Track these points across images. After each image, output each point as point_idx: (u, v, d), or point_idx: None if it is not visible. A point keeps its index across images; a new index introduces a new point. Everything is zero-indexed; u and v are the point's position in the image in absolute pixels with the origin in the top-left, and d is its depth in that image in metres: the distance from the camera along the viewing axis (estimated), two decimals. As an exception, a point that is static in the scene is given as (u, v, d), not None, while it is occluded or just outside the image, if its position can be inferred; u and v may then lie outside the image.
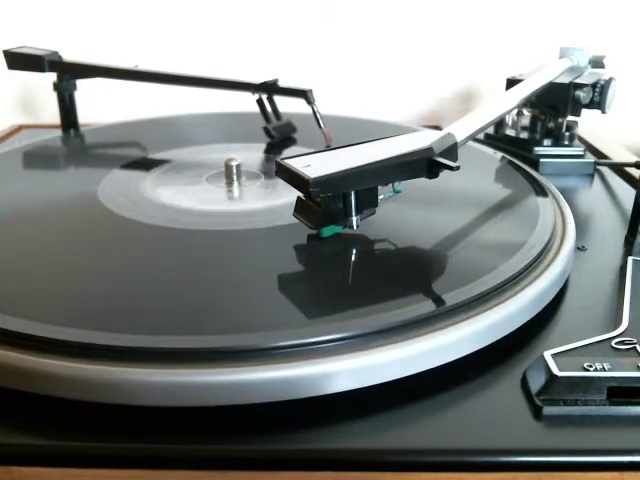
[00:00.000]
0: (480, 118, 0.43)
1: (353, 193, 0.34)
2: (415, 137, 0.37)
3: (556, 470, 0.23)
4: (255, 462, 0.24)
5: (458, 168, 0.34)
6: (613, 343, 0.28)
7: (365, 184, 0.34)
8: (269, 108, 0.58)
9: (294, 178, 0.33)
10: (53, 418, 0.25)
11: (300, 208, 0.36)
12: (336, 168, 0.33)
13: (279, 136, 0.57)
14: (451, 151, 0.36)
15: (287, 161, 0.34)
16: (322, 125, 0.53)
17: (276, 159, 0.35)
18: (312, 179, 0.32)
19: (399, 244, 0.36)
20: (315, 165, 0.33)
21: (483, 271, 0.31)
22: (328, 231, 0.35)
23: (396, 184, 0.36)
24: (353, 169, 0.33)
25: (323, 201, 0.34)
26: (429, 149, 0.35)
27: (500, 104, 0.47)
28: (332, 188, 0.33)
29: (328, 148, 0.38)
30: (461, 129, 0.39)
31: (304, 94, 0.54)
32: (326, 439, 0.24)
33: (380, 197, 0.36)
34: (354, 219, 0.34)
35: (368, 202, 0.35)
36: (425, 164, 0.35)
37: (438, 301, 0.29)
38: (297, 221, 0.36)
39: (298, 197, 0.36)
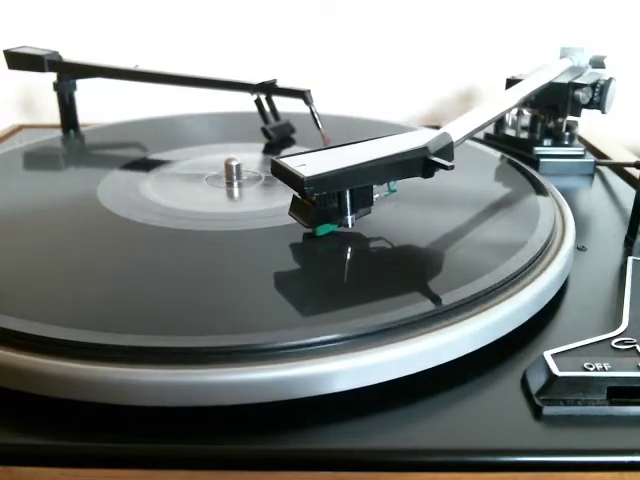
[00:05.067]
0: (477, 118, 0.43)
1: (348, 192, 0.34)
2: (411, 136, 0.37)
3: (556, 470, 0.23)
4: (255, 462, 0.24)
5: (452, 167, 0.34)
6: (613, 343, 0.28)
7: (360, 183, 0.34)
8: (267, 108, 0.58)
9: (289, 177, 0.33)
10: (53, 418, 0.25)
11: (295, 207, 0.36)
12: (331, 167, 0.33)
13: (277, 137, 0.57)
14: (447, 150, 0.36)
15: (283, 160, 0.34)
16: (320, 126, 0.53)
17: (272, 158, 0.35)
18: (306, 178, 0.32)
19: (399, 243, 0.36)
20: (310, 164, 0.33)
21: (483, 271, 0.31)
22: (323, 230, 0.35)
23: (391, 183, 0.36)
24: (348, 168, 0.33)
25: (318, 200, 0.34)
26: (424, 148, 0.35)
27: (498, 104, 0.47)
28: (327, 187, 0.33)
29: (324, 147, 0.38)
30: (458, 128, 0.39)
31: (302, 94, 0.54)
32: (326, 439, 0.24)
33: (375, 196, 0.36)
34: (349, 218, 0.35)
35: (363, 201, 0.35)
36: (420, 163, 0.35)
37: (438, 301, 0.29)
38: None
39: (293, 196, 0.36)
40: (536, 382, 0.26)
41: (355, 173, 0.33)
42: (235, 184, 0.46)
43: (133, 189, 0.44)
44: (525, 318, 0.30)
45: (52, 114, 0.64)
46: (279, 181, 0.35)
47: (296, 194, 0.35)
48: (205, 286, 0.31)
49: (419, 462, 0.23)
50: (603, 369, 0.26)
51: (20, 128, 0.69)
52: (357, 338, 0.26)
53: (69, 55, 0.59)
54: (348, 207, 0.34)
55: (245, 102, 0.57)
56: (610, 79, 0.53)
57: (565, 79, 0.53)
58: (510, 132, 0.58)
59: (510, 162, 0.50)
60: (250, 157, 0.52)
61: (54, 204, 0.42)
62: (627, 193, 0.49)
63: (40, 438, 0.24)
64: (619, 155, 0.59)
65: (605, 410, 0.25)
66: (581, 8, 0.71)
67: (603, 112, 0.53)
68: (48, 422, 0.25)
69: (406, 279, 0.32)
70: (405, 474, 0.23)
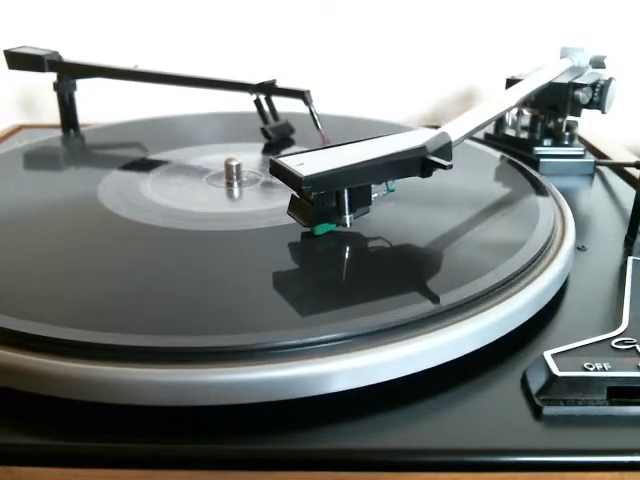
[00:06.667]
0: (476, 117, 0.43)
1: (346, 191, 0.34)
2: (409, 136, 0.37)
3: (556, 470, 0.23)
4: (255, 462, 0.24)
5: (451, 167, 0.34)
6: (613, 343, 0.28)
7: (358, 182, 0.34)
8: (267, 109, 0.58)
9: (287, 176, 0.33)
10: (53, 418, 0.25)
11: (294, 206, 0.36)
12: (329, 166, 0.33)
13: (276, 137, 0.57)
14: (445, 150, 0.36)
15: (281, 159, 0.35)
16: (320, 126, 0.53)
17: (270, 157, 0.35)
18: (304, 177, 0.32)
19: (398, 243, 0.36)
20: (308, 163, 0.34)
21: (483, 270, 0.31)
22: (321, 229, 0.35)
23: (390, 183, 0.36)
24: (346, 167, 0.33)
25: (316, 199, 0.34)
26: (422, 148, 0.35)
27: (497, 103, 0.47)
28: (324, 186, 0.33)
29: (323, 147, 0.38)
30: (457, 128, 0.39)
31: (302, 95, 0.54)
32: (326, 439, 0.24)
33: (374, 196, 0.36)
34: (347, 217, 0.35)
35: (361, 200, 0.35)
36: (418, 163, 0.35)
37: (437, 300, 0.29)
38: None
39: (292, 195, 0.36)
40: (536, 382, 0.26)
41: (353, 172, 0.33)
42: (235, 184, 0.46)
43: (133, 189, 0.44)
44: (525, 318, 0.30)
45: (52, 114, 0.64)
46: (279, 181, 0.35)
47: (294, 193, 0.35)
48: (205, 286, 0.31)
49: (419, 462, 0.23)
50: (603, 369, 0.26)
51: (20, 128, 0.69)
52: (357, 338, 0.26)
53: (69, 55, 0.59)
54: (346, 206, 0.34)
55: (245, 102, 0.57)
56: (610, 79, 0.53)
57: (565, 79, 0.53)
58: (510, 132, 0.58)
59: (510, 162, 0.50)
60: (250, 157, 0.52)
61: (54, 204, 0.42)
62: (627, 193, 0.49)
63: (40, 438, 0.24)
64: (619, 155, 0.59)
65: (605, 410, 0.25)
66: (581, 8, 0.71)
67: (603, 112, 0.53)
68: (48, 422, 0.25)
69: (405, 279, 0.32)
70: (405, 474, 0.23)
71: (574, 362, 0.26)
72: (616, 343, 0.28)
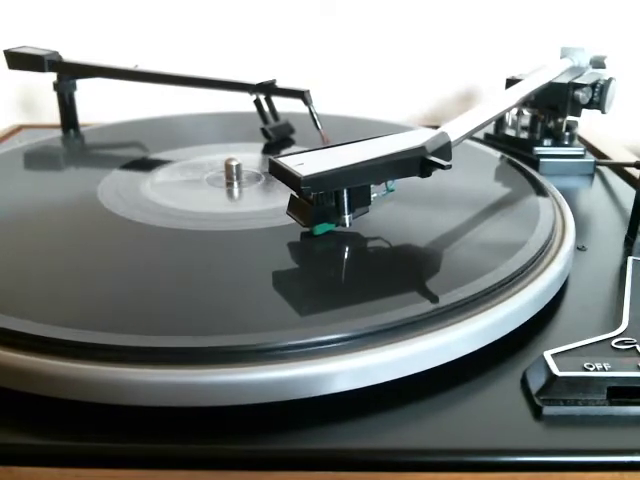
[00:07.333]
0: (476, 117, 0.43)
1: (345, 191, 0.34)
2: (408, 136, 0.37)
3: (556, 470, 0.23)
4: (255, 462, 0.24)
5: (450, 167, 0.34)
6: (613, 343, 0.28)
7: (357, 182, 0.34)
8: (267, 109, 0.58)
9: (286, 176, 0.34)
10: (53, 418, 0.25)
11: (293, 206, 0.36)
12: (328, 166, 0.33)
13: (276, 137, 0.57)
14: (444, 150, 0.36)
15: (280, 159, 0.35)
16: (319, 126, 0.53)
17: (270, 157, 0.35)
18: (304, 177, 0.32)
19: (397, 243, 0.36)
20: (308, 163, 0.34)
21: (483, 271, 0.31)
22: (321, 229, 0.35)
23: (389, 183, 0.36)
24: (345, 167, 0.33)
25: (315, 199, 0.34)
26: (421, 148, 0.35)
27: (497, 103, 0.47)
28: (324, 186, 0.33)
29: (322, 147, 0.38)
30: (456, 128, 0.39)
31: (301, 95, 0.54)
32: (326, 439, 0.24)
33: (373, 196, 0.36)
34: (346, 217, 0.35)
35: (361, 200, 0.35)
36: (417, 163, 0.35)
37: (437, 300, 0.29)
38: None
39: (291, 195, 0.36)
40: (536, 382, 0.26)
41: (352, 172, 0.33)
42: (235, 184, 0.46)
43: (133, 189, 0.44)
44: (525, 318, 0.30)
45: (52, 114, 0.64)
46: (279, 181, 0.35)
47: (294, 193, 0.35)
48: (205, 286, 0.31)
49: (419, 462, 0.23)
50: (603, 369, 0.26)
51: (20, 128, 0.69)
52: (357, 338, 0.26)
53: (69, 55, 0.59)
54: (345, 206, 0.34)
55: (245, 102, 0.57)
56: (610, 79, 0.53)
57: (565, 79, 0.53)
58: (510, 132, 0.58)
59: (510, 162, 0.50)
60: (250, 157, 0.52)
61: (54, 204, 0.42)
62: (627, 193, 0.49)
63: (40, 438, 0.24)
64: (619, 155, 0.59)
65: (605, 410, 0.25)
66: (581, 8, 0.71)
67: (603, 112, 0.53)
68: (48, 422, 0.25)
69: (405, 279, 0.32)
70: (405, 474, 0.23)
71: (574, 362, 0.26)
72: (616, 343, 0.28)
